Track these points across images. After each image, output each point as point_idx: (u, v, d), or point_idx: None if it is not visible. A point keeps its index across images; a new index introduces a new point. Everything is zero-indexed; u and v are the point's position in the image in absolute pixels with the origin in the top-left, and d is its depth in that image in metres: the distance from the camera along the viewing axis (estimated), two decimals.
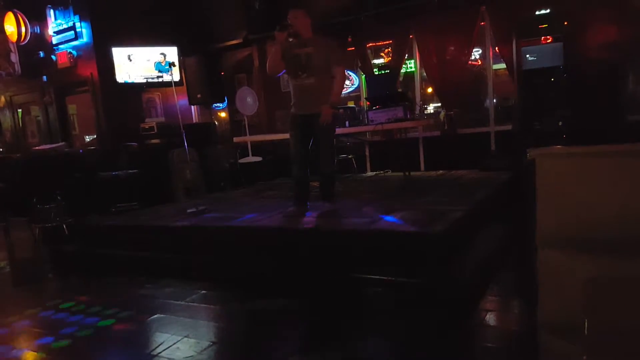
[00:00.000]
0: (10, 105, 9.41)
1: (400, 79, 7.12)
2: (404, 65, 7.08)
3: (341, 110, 5.60)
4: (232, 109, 8.36)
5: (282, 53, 4.00)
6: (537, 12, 5.65)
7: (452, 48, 6.47)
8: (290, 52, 4.00)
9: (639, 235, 1.50)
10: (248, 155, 7.06)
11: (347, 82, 7.33)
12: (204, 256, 3.98)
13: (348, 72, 6.83)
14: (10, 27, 8.19)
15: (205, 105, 8.63)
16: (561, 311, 1.59)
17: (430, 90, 7.39)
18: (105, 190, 6.35)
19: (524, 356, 2.23)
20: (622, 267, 1.50)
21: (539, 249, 1.68)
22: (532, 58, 5.45)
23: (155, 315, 3.13)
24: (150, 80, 7.85)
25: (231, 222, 4.12)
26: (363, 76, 7.26)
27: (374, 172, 7.08)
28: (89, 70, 7.64)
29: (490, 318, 2.73)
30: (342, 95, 4.23)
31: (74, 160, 6.84)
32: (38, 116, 9.04)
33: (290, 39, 3.96)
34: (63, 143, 7.73)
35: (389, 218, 3.68)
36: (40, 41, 8.18)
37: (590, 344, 1.35)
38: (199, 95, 7.97)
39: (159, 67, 7.85)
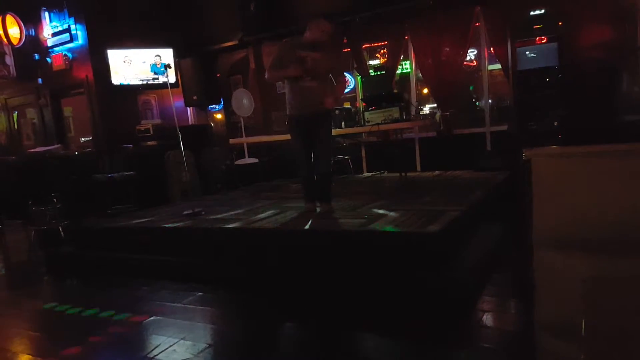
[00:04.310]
0: (6, 108, 9.38)
1: (396, 79, 7.13)
2: (399, 66, 7.10)
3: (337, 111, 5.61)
4: (228, 111, 8.36)
5: (283, 57, 4.04)
6: (531, 13, 5.67)
7: (448, 49, 6.48)
8: (295, 53, 3.98)
9: (635, 235, 1.50)
10: (244, 157, 7.05)
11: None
12: (201, 258, 3.97)
13: (345, 73, 6.87)
14: (2, 31, 8.15)
15: (201, 107, 8.63)
16: (558, 311, 1.59)
17: (425, 91, 7.40)
18: (101, 193, 6.34)
19: (521, 357, 2.23)
20: (618, 267, 1.50)
21: (535, 249, 1.68)
22: (531, 55, 5.47)
23: (152, 318, 3.11)
24: (146, 82, 7.84)
25: (227, 224, 4.10)
26: (359, 77, 7.26)
27: (370, 173, 7.08)
28: (85, 72, 7.62)
29: (488, 318, 2.73)
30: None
31: (69, 163, 6.82)
32: (33, 118, 9.00)
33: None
34: (59, 145, 7.71)
35: (385, 219, 3.68)
36: (35, 44, 8.16)
37: (587, 344, 1.35)
38: (194, 97, 7.98)
39: (154, 69, 7.85)
